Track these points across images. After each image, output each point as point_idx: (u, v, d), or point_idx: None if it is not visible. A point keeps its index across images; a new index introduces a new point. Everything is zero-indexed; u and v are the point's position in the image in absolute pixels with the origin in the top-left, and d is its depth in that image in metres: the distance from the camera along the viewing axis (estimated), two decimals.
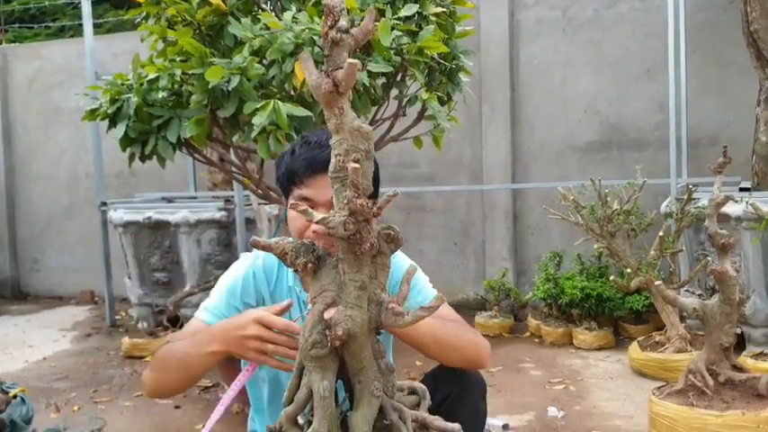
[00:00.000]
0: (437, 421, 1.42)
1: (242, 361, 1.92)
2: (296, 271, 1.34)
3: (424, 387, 1.49)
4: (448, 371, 1.83)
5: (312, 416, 1.30)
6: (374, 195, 1.78)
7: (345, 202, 1.23)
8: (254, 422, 2.02)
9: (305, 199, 1.66)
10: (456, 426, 1.41)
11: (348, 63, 1.20)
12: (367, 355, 1.32)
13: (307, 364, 1.31)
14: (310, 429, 1.28)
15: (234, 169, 3.70)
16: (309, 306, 1.34)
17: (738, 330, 3.78)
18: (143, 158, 3.06)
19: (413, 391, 1.49)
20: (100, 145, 5.42)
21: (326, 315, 1.28)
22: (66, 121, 6.78)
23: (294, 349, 1.44)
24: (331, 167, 1.26)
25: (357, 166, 1.21)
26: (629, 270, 3.82)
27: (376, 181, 1.65)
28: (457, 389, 1.78)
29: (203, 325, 1.76)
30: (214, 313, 1.78)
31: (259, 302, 1.84)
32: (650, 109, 5.23)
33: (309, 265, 1.31)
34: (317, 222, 1.26)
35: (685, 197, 3.96)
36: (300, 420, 1.35)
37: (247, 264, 1.88)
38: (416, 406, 1.45)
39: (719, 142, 3.08)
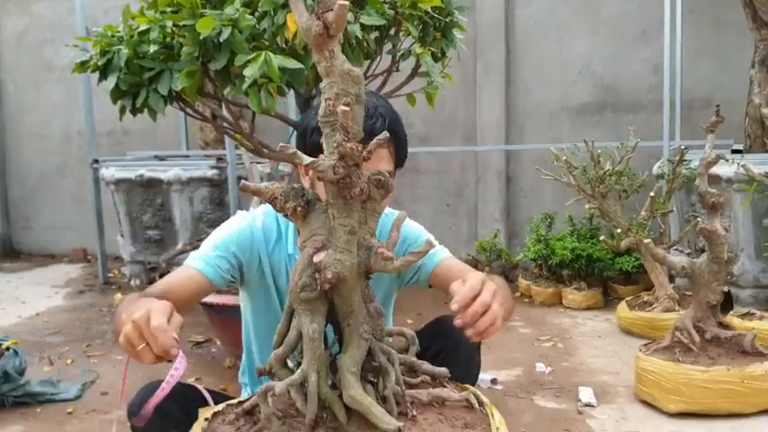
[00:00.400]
0: (425, 365, 1.44)
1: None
2: (286, 216, 1.34)
3: (413, 333, 1.50)
4: (443, 325, 1.84)
5: (301, 357, 1.31)
6: (404, 158, 1.88)
7: (335, 145, 1.23)
8: (244, 375, 2.05)
9: None
10: (443, 369, 1.43)
11: (338, 5, 1.19)
12: (356, 298, 1.33)
13: (296, 307, 1.32)
14: (299, 370, 1.29)
15: (226, 125, 3.67)
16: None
17: (726, 289, 3.82)
18: (134, 111, 3.03)
19: (402, 337, 1.51)
20: (91, 103, 5.38)
21: (316, 259, 1.29)
22: (58, 79, 6.70)
23: (156, 360, 1.38)
24: (321, 111, 1.26)
25: (347, 109, 1.21)
26: (619, 231, 3.85)
27: (403, 139, 1.78)
28: (452, 341, 1.79)
29: (193, 272, 1.72)
30: (205, 261, 1.75)
31: (253, 262, 1.82)
32: (645, 71, 5.21)
33: (299, 209, 1.32)
34: (305, 166, 1.26)
35: (677, 158, 3.96)
36: (290, 363, 1.37)
37: (246, 221, 1.85)
38: (405, 351, 1.47)
39: (713, 104, 3.07)
